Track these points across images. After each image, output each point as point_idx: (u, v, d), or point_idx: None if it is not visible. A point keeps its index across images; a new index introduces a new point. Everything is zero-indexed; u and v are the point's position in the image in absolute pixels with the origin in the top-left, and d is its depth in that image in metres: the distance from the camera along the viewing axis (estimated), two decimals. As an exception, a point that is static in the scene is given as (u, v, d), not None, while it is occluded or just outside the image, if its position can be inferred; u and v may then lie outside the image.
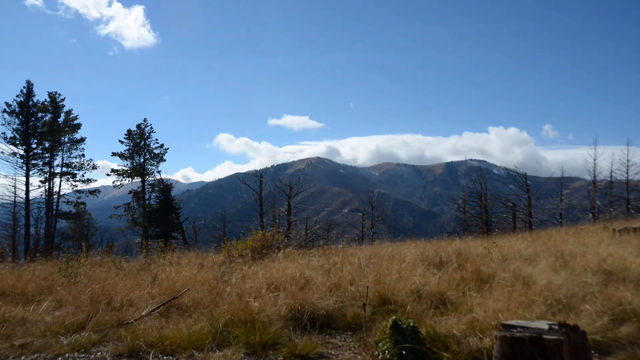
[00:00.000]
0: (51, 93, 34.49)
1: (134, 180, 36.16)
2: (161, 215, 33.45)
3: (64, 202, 34.86)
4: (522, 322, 3.51)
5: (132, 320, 5.47)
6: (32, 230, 32.60)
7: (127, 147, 35.60)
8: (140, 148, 35.67)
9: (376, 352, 4.24)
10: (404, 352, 4.04)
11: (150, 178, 35.48)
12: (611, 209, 27.13)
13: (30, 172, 32.93)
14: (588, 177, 28.71)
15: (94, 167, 36.08)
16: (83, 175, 35.53)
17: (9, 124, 32.56)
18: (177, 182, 36.47)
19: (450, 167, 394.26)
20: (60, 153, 34.71)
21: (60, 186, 34.48)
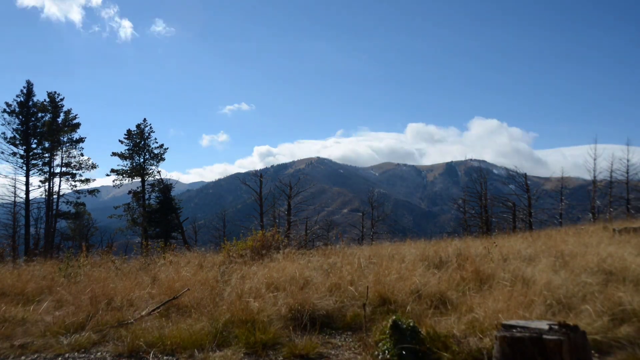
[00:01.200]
0: (50, 93, 34.52)
1: (133, 180, 36.17)
2: (161, 215, 33.44)
3: (64, 202, 34.86)
4: (522, 322, 3.51)
5: (132, 320, 5.47)
6: (32, 230, 32.61)
7: (127, 147, 35.64)
8: (140, 148, 35.68)
9: (376, 352, 4.24)
10: (404, 352, 4.04)
11: (150, 178, 35.51)
12: (611, 209, 27.13)
13: (30, 172, 32.97)
14: (588, 177, 28.73)
15: (94, 167, 36.10)
16: (82, 175, 35.59)
17: (9, 124, 32.61)
18: (177, 182, 36.47)
19: (450, 167, 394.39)
20: (59, 153, 34.74)
21: (60, 186, 34.50)
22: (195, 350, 4.59)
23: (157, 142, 36.15)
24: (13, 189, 31.84)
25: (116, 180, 35.45)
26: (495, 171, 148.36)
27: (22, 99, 32.98)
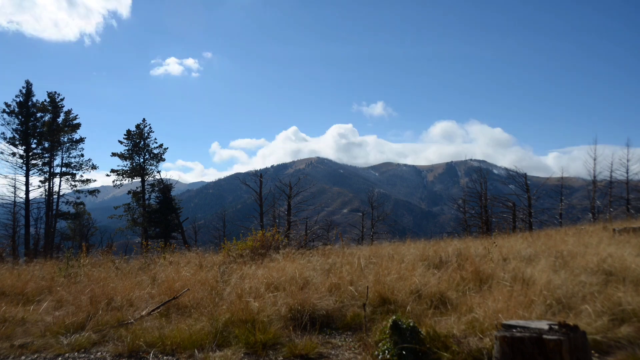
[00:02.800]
0: (50, 93, 34.51)
1: (133, 181, 36.18)
2: (161, 215, 33.44)
3: (64, 202, 34.86)
4: (522, 322, 3.51)
5: (132, 320, 5.47)
6: (32, 230, 32.60)
7: (127, 148, 35.64)
8: (139, 148, 35.69)
9: (376, 352, 4.24)
10: (404, 352, 4.04)
11: (150, 178, 35.52)
12: (611, 209, 27.13)
13: (30, 172, 32.96)
14: (588, 177, 28.73)
15: (94, 167, 36.09)
16: (82, 175, 35.58)
17: (8, 124, 32.61)
18: (177, 182, 36.47)
19: (450, 167, 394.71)
20: (59, 153, 34.74)
21: (60, 186, 34.49)
22: (195, 350, 4.59)
23: (156, 142, 36.21)
24: (13, 189, 31.87)
25: (116, 180, 35.46)
26: (495, 171, 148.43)
27: (22, 99, 32.98)
